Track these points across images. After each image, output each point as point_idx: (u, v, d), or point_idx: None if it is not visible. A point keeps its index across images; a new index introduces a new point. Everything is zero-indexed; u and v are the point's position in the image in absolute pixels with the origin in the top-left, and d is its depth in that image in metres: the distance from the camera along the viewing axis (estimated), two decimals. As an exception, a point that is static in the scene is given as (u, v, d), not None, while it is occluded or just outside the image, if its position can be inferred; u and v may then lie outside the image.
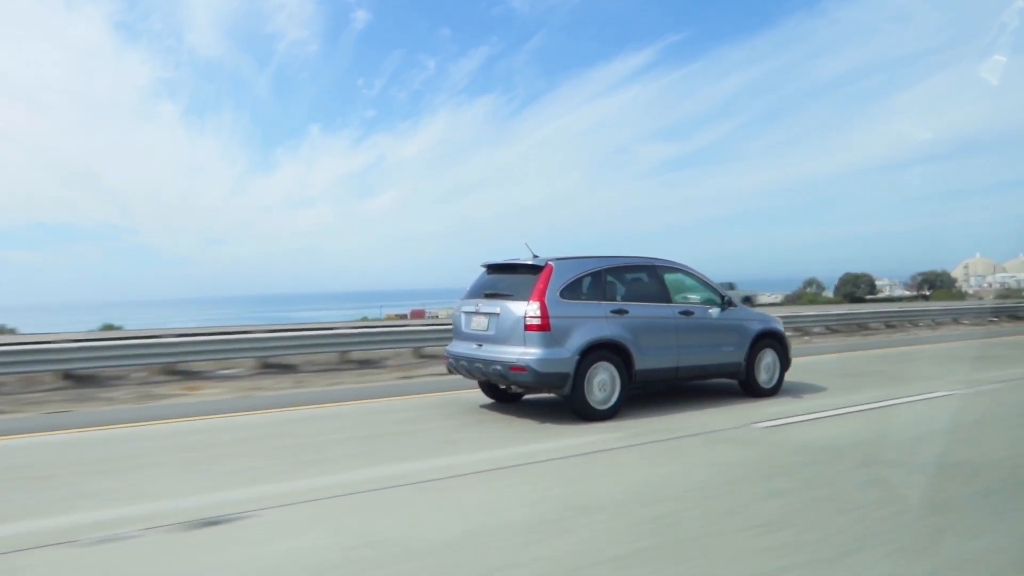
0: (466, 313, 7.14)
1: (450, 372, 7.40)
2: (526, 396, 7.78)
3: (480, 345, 6.85)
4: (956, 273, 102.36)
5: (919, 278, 63.02)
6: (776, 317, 8.35)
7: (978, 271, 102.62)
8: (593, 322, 6.63)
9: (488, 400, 7.74)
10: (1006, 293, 57.36)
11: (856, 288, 56.45)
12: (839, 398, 7.60)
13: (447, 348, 7.44)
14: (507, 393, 7.65)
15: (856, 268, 60.65)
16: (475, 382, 7.68)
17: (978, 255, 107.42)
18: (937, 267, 64.14)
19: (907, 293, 60.52)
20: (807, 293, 54.32)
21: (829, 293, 57.54)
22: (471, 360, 6.86)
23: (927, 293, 56.14)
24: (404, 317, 42.18)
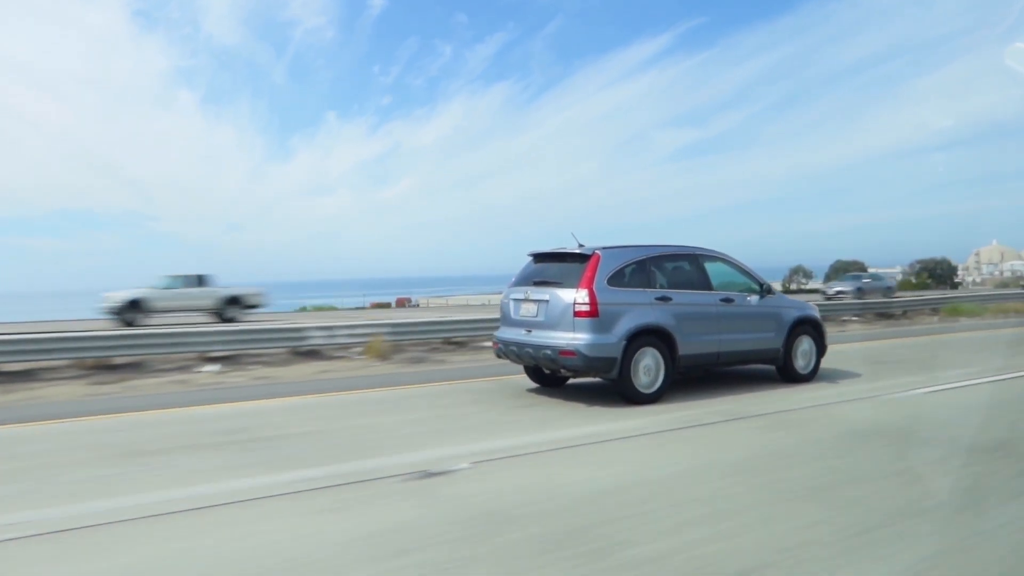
0: (515, 300, 7.41)
1: (499, 357, 7.69)
2: (570, 380, 8.06)
3: (529, 331, 7.13)
4: (971, 261, 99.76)
5: (917, 266, 59.17)
6: (813, 304, 8.56)
7: (991, 259, 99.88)
8: (639, 309, 6.89)
9: (534, 384, 8.03)
10: (1005, 282, 55.28)
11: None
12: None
13: (495, 334, 7.73)
14: (552, 378, 7.94)
15: (875, 256, 58.77)
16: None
17: (995, 242, 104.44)
18: (958, 255, 61.63)
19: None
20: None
21: (819, 282, 56.05)
22: (521, 345, 7.14)
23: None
24: (389, 306, 42.58)
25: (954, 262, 60.03)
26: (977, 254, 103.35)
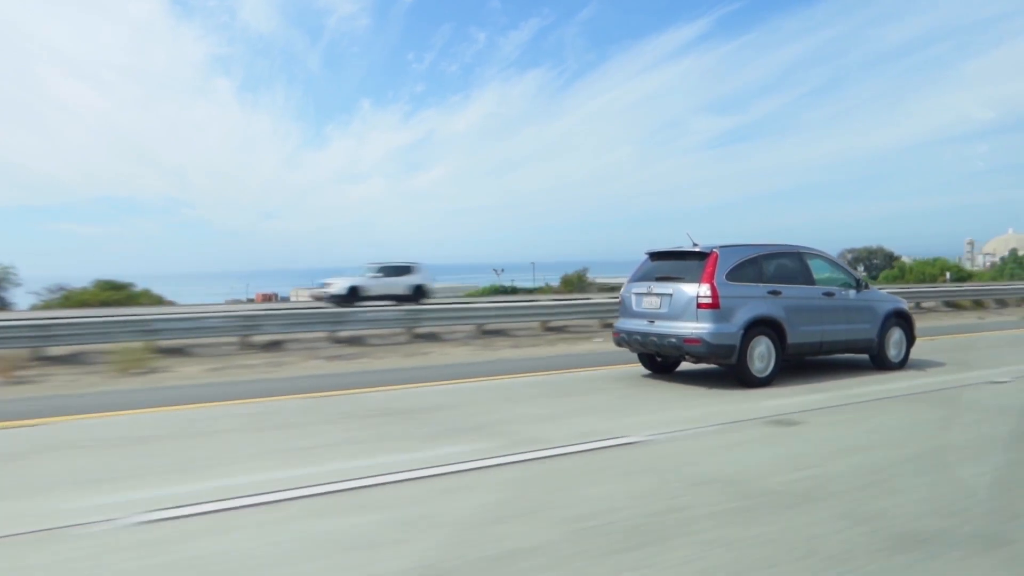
0: (637, 294, 8.18)
1: (619, 345, 8.47)
2: (678, 368, 8.81)
3: (652, 322, 7.89)
4: (974, 252, 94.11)
5: (848, 256, 51.34)
6: (902, 298, 9.23)
7: (995, 249, 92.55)
8: (753, 301, 7.63)
9: (647, 371, 8.80)
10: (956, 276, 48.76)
11: None
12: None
13: (616, 324, 8.50)
14: (661, 365, 8.70)
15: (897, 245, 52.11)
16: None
17: (1011, 231, 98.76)
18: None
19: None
20: None
21: None
22: (645, 335, 7.90)
23: None
24: (274, 298, 40.48)
25: (896, 252, 51.42)
26: (970, 243, 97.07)
